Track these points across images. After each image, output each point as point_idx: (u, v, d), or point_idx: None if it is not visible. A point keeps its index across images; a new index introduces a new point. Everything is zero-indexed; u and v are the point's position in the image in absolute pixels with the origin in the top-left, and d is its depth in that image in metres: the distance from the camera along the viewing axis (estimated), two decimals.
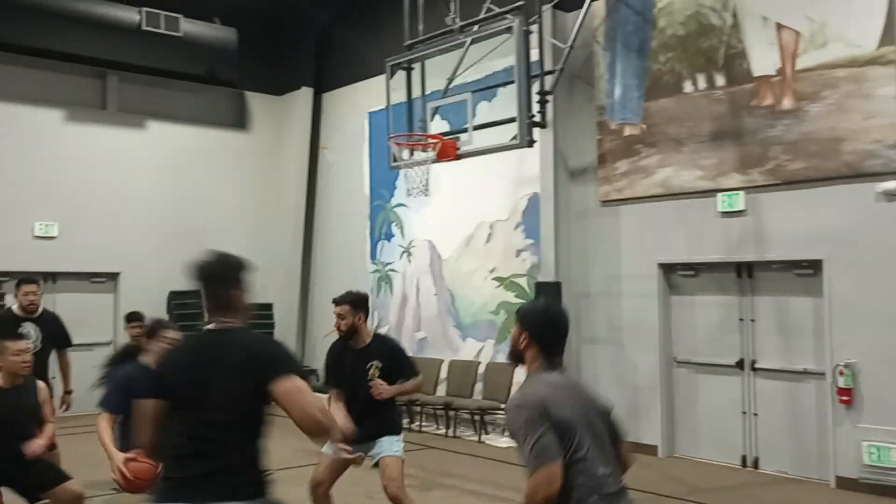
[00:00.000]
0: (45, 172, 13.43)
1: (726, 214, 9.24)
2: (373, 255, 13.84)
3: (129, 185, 14.14)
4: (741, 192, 9.11)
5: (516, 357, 3.47)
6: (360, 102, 14.14)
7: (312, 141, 15.28)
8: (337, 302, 5.92)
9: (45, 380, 7.32)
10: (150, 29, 13.26)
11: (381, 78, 11.81)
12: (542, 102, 9.53)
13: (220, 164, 15.13)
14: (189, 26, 13.63)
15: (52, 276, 13.60)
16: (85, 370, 12.28)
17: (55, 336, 7.69)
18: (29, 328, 7.30)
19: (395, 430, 5.95)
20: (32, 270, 13.14)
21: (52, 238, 13.50)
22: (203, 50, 14.09)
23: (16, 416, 5.59)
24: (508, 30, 9.19)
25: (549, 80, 9.73)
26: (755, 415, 9.22)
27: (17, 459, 5.52)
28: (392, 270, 13.46)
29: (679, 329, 9.86)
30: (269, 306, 14.78)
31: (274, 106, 15.76)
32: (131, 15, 13.16)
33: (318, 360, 14.99)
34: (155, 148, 14.47)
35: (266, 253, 15.34)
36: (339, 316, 5.87)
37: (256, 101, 15.69)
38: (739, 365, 9.31)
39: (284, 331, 14.96)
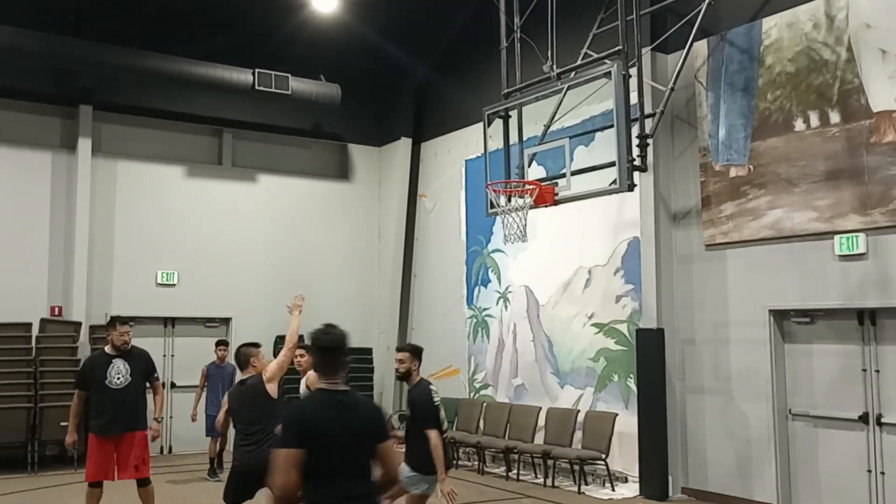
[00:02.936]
0: (166, 224, 13.29)
1: (845, 258, 7.99)
2: (469, 301, 12.98)
3: (242, 235, 13.85)
4: (861, 234, 7.85)
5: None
6: (457, 151, 13.48)
7: (411, 189, 14.67)
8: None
9: (138, 414, 7.27)
10: (261, 88, 13.00)
11: (478, 126, 11.16)
12: (643, 146, 8.61)
13: (324, 214, 14.70)
14: (297, 84, 13.31)
15: (171, 321, 13.35)
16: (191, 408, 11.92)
17: (142, 370, 7.41)
18: (119, 364, 7.20)
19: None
20: (154, 316, 13.03)
21: (172, 286, 13.28)
22: (310, 106, 13.76)
23: None
24: (607, 75, 8.36)
25: (649, 122, 8.82)
26: (882, 473, 7.82)
27: None
28: (489, 316, 12.55)
29: (794, 379, 8.56)
30: (368, 351, 14.11)
31: (375, 156, 15.28)
32: (245, 76, 12.93)
33: None
34: (265, 200, 14.16)
35: (366, 298, 14.80)
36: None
37: (358, 153, 15.24)
38: (863, 419, 7.95)
39: (383, 375, 14.24)
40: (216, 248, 13.57)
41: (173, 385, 13.06)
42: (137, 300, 12.91)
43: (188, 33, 12.84)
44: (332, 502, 3.45)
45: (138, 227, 13.07)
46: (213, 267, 13.49)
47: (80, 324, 12.21)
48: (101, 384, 7.10)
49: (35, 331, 11.89)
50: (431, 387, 6.32)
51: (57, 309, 12.35)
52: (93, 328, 12.32)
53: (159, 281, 13.20)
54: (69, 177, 12.57)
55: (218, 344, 11.16)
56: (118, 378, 7.13)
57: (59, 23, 11.83)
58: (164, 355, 13.16)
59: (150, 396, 7.47)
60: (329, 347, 3.71)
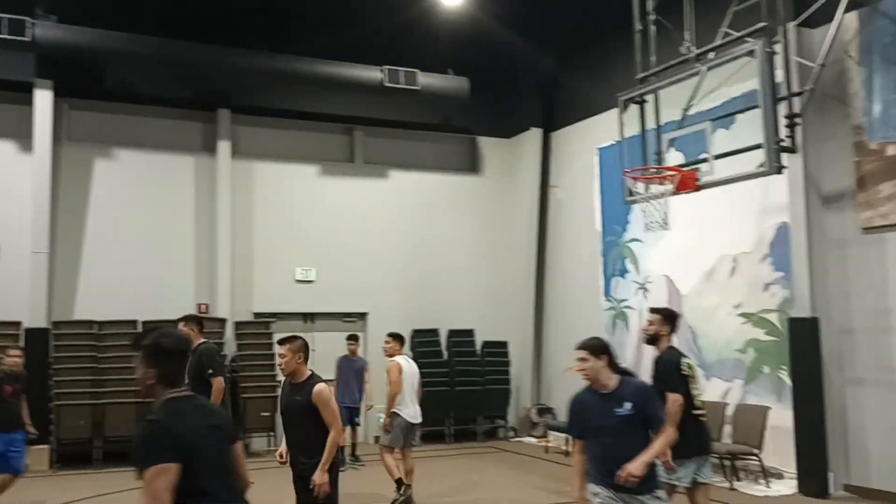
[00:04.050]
0: (302, 222, 14.23)
1: None
2: (607, 292, 13.21)
3: (375, 230, 14.62)
4: None
5: None
6: (589, 139, 13.70)
7: (542, 180, 15.02)
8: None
9: None
10: (391, 85, 13.69)
11: (610, 114, 11.38)
12: (792, 126, 8.61)
13: (455, 208, 15.28)
14: (425, 79, 13.92)
15: (310, 317, 14.30)
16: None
17: (194, 367, 7.56)
18: None
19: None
20: (293, 312, 14.00)
21: (310, 282, 14.21)
22: (438, 100, 14.37)
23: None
24: (749, 53, 8.45)
25: (796, 101, 8.80)
26: None
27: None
28: (627, 307, 12.75)
29: None
30: (504, 344, 14.61)
31: (504, 148, 15.72)
32: (374, 73, 13.66)
33: (553, 398, 14.58)
34: (397, 195, 14.88)
35: (500, 292, 15.27)
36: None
37: (488, 145, 15.73)
38: None
39: (519, 368, 14.70)
40: (351, 244, 14.40)
41: None
42: (278, 296, 13.93)
43: (317, 34, 13.65)
44: None
45: (276, 225, 14.07)
46: (348, 263, 14.33)
47: (224, 320, 13.31)
48: None
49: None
50: (684, 359, 6.04)
51: (204, 306, 13.51)
52: (237, 324, 13.42)
53: (298, 277, 14.16)
54: (211, 178, 13.70)
55: (348, 339, 11.98)
56: None
57: (195, 30, 12.89)
58: None
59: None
60: (179, 350, 3.37)
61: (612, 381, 4.70)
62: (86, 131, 13.19)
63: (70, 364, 12.05)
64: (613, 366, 4.75)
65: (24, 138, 12.40)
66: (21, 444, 8.41)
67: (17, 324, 12.02)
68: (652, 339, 6.22)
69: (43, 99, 12.30)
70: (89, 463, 11.54)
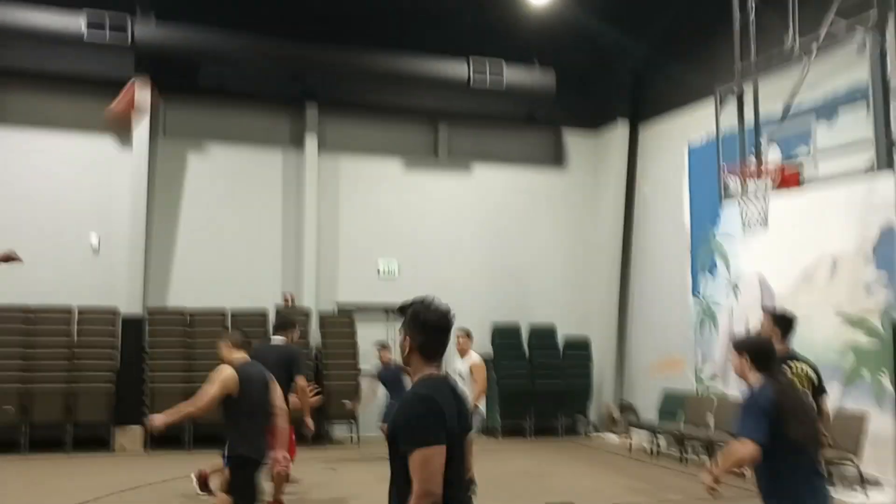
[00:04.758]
0: (386, 216, 14.31)
1: None
2: (695, 290, 12.88)
3: (458, 224, 14.61)
4: None
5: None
6: (679, 133, 13.35)
7: (629, 174, 14.72)
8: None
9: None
10: (476, 78, 13.60)
11: (701, 108, 11.11)
12: None
13: (539, 202, 15.13)
14: (511, 72, 13.79)
15: (392, 310, 14.32)
16: None
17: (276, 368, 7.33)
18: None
19: None
20: (376, 303, 14.08)
21: (392, 275, 14.28)
22: (523, 93, 14.20)
23: None
24: (858, 43, 8.10)
25: None
26: None
27: None
28: (715, 304, 12.42)
29: None
30: (586, 340, 14.41)
31: (590, 141, 15.46)
32: (460, 67, 13.60)
33: (635, 395, 14.34)
34: (481, 189, 14.83)
35: (583, 287, 15.07)
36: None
37: (574, 139, 15.50)
38: None
39: (601, 365, 14.49)
40: (433, 238, 14.42)
41: None
42: (361, 289, 14.05)
43: (403, 28, 13.64)
44: None
45: (360, 218, 14.19)
46: (430, 256, 14.34)
47: (309, 311, 13.48)
48: None
49: (271, 317, 13.30)
50: (794, 362, 5.49)
51: (289, 294, 13.69)
52: (321, 316, 13.59)
53: (381, 270, 14.25)
54: (298, 172, 13.92)
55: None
56: None
57: (285, 27, 13.04)
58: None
59: None
60: (444, 327, 3.19)
61: (753, 382, 4.42)
62: (180, 126, 13.54)
63: (164, 348, 12.46)
64: (759, 366, 4.43)
65: (122, 133, 12.81)
66: None
67: (114, 311, 12.52)
68: None
69: (141, 95, 12.68)
70: (180, 444, 11.87)
